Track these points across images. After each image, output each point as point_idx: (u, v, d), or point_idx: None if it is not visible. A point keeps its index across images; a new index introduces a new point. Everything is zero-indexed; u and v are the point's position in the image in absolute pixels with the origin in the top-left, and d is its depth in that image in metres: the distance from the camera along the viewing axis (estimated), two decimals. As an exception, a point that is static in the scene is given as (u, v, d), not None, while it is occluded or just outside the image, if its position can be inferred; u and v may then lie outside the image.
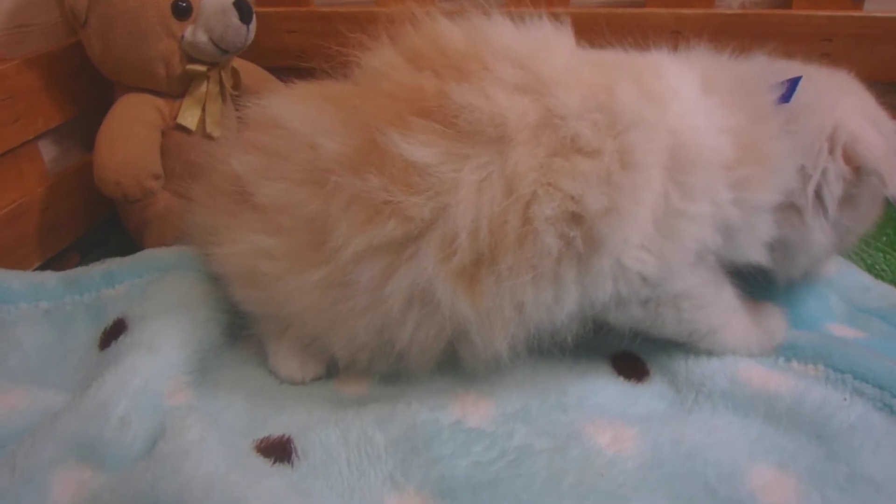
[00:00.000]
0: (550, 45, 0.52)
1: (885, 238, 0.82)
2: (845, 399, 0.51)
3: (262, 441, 0.49)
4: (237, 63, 0.82)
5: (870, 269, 0.75)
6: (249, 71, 0.85)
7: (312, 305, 0.52)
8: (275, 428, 0.51)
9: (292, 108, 0.53)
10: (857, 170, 0.53)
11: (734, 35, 0.83)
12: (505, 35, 0.52)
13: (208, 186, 0.58)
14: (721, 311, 0.55)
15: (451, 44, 0.51)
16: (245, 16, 0.73)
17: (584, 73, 0.51)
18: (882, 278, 0.73)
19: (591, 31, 0.85)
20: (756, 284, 0.64)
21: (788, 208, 0.55)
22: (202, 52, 0.73)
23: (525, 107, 0.48)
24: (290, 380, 0.57)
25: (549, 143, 0.48)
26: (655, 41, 0.85)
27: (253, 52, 0.82)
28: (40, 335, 0.62)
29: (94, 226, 0.82)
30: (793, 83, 0.54)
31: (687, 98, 0.52)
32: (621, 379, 0.57)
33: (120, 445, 0.48)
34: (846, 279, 0.68)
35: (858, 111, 0.55)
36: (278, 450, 0.49)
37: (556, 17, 0.54)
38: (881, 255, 0.79)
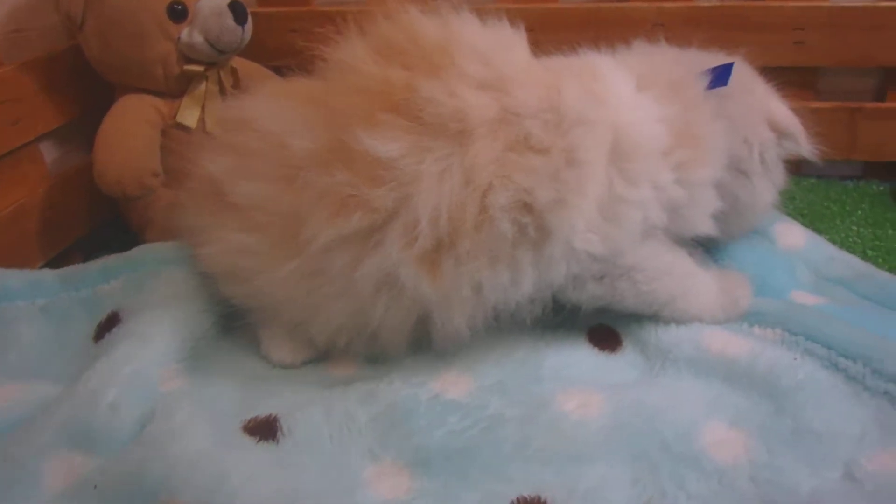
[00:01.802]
0: (511, 44, 0.55)
1: (860, 212, 0.86)
2: (796, 359, 0.53)
3: (250, 421, 0.52)
4: (238, 62, 0.84)
5: (843, 241, 0.78)
6: (251, 70, 0.87)
7: (291, 295, 0.55)
8: (264, 409, 0.53)
9: (262, 108, 0.56)
10: (780, 136, 0.65)
11: (713, 27, 0.86)
12: (472, 31, 0.54)
13: (190, 189, 0.61)
14: (678, 279, 0.58)
15: (423, 36, 0.54)
16: (240, 17, 0.76)
17: (538, 74, 0.55)
18: (853, 250, 0.76)
19: (577, 27, 0.88)
20: (726, 256, 0.69)
21: (739, 175, 0.63)
22: (199, 52, 0.76)
23: (486, 103, 0.51)
24: (282, 364, 0.60)
25: (505, 138, 0.51)
26: (638, 34, 0.88)
27: (256, 52, 0.85)
28: (37, 331, 0.64)
29: (97, 227, 0.85)
30: (725, 69, 0.60)
31: (623, 95, 0.56)
32: (596, 350, 0.59)
33: (110, 431, 0.50)
34: (813, 251, 0.71)
35: (769, 91, 0.67)
36: (264, 429, 0.51)
37: (513, 14, 0.57)
38: (854, 228, 0.82)
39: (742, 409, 0.51)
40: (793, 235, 0.72)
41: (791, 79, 0.89)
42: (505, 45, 0.55)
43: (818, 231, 0.81)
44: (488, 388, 0.54)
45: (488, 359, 0.57)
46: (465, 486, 0.47)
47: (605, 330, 0.61)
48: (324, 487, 0.47)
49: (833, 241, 0.79)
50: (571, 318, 0.60)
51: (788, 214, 0.85)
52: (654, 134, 0.56)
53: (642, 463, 0.47)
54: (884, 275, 0.67)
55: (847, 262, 0.69)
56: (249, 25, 0.78)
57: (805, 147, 0.65)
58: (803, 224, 0.83)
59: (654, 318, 0.59)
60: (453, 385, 0.55)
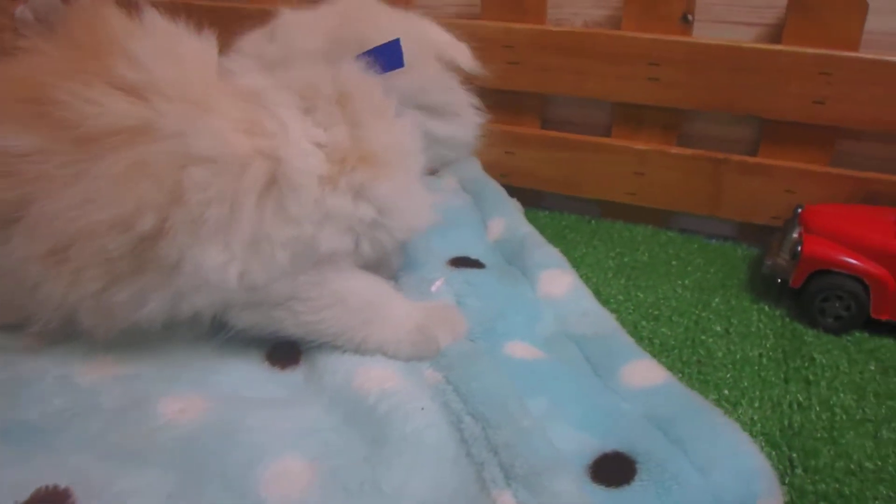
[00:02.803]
0: (181, 55, 0.52)
1: (699, 274, 0.78)
2: (422, 408, 0.49)
3: None
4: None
5: (657, 301, 0.73)
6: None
7: None
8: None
9: None
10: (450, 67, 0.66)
11: (563, 53, 0.81)
12: (145, 36, 0.52)
13: None
14: (356, 310, 0.55)
15: (94, 34, 0.52)
16: (67, -2, 0.80)
17: (194, 93, 0.51)
18: (662, 312, 0.70)
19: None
20: (471, 293, 0.65)
21: (455, 118, 0.67)
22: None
23: (124, 111, 0.49)
24: None
25: (137, 152, 0.49)
26: (486, 55, 0.84)
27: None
28: None
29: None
30: (392, 46, 0.57)
31: (288, 126, 0.52)
32: (266, 365, 0.57)
33: None
34: (570, 303, 0.65)
35: (431, 27, 0.65)
36: None
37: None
38: (680, 290, 0.75)
39: (332, 449, 0.48)
40: (555, 284, 0.67)
41: (653, 118, 0.83)
42: (173, 54, 0.52)
43: (640, 286, 0.75)
44: (120, 378, 0.53)
45: (151, 352, 0.56)
46: (21, 464, 0.47)
47: (289, 345, 0.59)
48: None
49: (646, 299, 0.73)
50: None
51: (626, 264, 0.79)
52: (314, 168, 0.52)
53: (192, 479, 0.45)
54: (624, 340, 0.60)
55: (599, 320, 0.63)
56: (84, 6, 0.82)
57: (470, 69, 0.67)
58: (631, 275, 0.77)
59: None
60: (96, 370, 0.54)
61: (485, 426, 0.47)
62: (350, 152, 0.53)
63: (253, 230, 0.51)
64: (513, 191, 0.90)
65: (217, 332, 0.57)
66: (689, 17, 0.77)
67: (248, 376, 0.55)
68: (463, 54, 0.64)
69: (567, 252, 0.80)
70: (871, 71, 0.72)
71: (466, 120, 0.66)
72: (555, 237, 0.85)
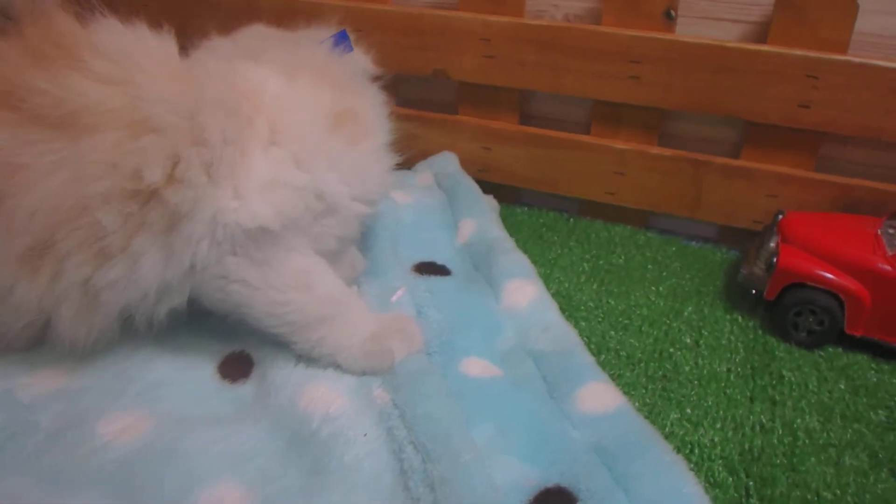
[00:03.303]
0: (149, 46, 0.53)
1: (674, 280, 0.76)
2: (365, 435, 0.48)
3: None
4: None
5: (627, 308, 0.71)
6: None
7: None
8: None
9: None
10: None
11: (541, 47, 0.79)
12: (106, 33, 0.52)
13: None
14: (321, 302, 0.55)
15: (56, 35, 0.52)
16: (29, -15, 0.77)
17: (176, 70, 0.52)
18: (631, 320, 0.69)
19: (401, 31, 0.83)
20: (432, 305, 0.64)
21: None
22: None
23: (104, 94, 0.49)
24: None
25: (124, 126, 0.49)
26: (463, 45, 0.82)
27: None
28: None
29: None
30: (342, 36, 0.64)
31: (273, 88, 0.56)
32: (217, 377, 0.57)
33: None
34: (532, 316, 0.64)
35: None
36: None
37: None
38: (652, 297, 0.73)
39: (269, 476, 0.47)
40: (519, 295, 0.65)
41: (633, 118, 0.80)
42: (142, 46, 0.52)
43: (612, 292, 0.73)
44: (64, 393, 0.53)
45: (101, 363, 0.56)
46: (-46, 488, 0.46)
47: (241, 357, 0.58)
48: None
49: (617, 306, 0.71)
50: (208, 341, 0.58)
51: (600, 267, 0.77)
52: (312, 116, 0.56)
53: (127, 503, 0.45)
54: (584, 359, 0.59)
55: (560, 335, 0.61)
56: (47, -4, 0.79)
57: (373, 70, 0.69)
58: (605, 280, 0.75)
59: (290, 351, 0.55)
60: (41, 382, 0.54)
61: (425, 458, 0.46)
62: (344, 109, 0.57)
63: (265, 175, 0.52)
64: (490, 186, 0.88)
65: (173, 335, 0.57)
66: (672, 12, 0.74)
67: (197, 390, 0.55)
68: (363, 57, 0.69)
69: (542, 253, 0.79)
70: (860, 75, 0.69)
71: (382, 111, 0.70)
72: (532, 236, 0.84)
